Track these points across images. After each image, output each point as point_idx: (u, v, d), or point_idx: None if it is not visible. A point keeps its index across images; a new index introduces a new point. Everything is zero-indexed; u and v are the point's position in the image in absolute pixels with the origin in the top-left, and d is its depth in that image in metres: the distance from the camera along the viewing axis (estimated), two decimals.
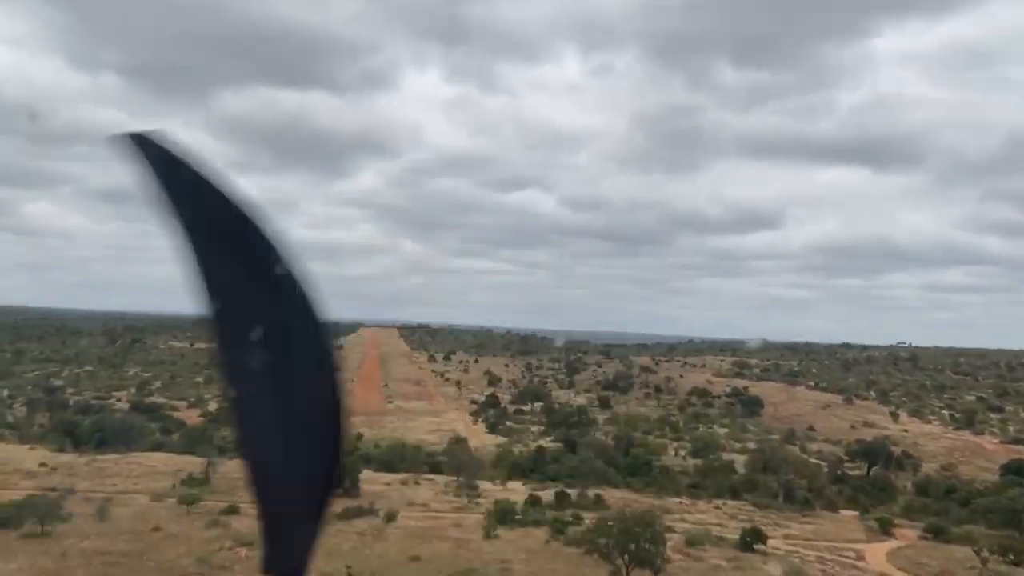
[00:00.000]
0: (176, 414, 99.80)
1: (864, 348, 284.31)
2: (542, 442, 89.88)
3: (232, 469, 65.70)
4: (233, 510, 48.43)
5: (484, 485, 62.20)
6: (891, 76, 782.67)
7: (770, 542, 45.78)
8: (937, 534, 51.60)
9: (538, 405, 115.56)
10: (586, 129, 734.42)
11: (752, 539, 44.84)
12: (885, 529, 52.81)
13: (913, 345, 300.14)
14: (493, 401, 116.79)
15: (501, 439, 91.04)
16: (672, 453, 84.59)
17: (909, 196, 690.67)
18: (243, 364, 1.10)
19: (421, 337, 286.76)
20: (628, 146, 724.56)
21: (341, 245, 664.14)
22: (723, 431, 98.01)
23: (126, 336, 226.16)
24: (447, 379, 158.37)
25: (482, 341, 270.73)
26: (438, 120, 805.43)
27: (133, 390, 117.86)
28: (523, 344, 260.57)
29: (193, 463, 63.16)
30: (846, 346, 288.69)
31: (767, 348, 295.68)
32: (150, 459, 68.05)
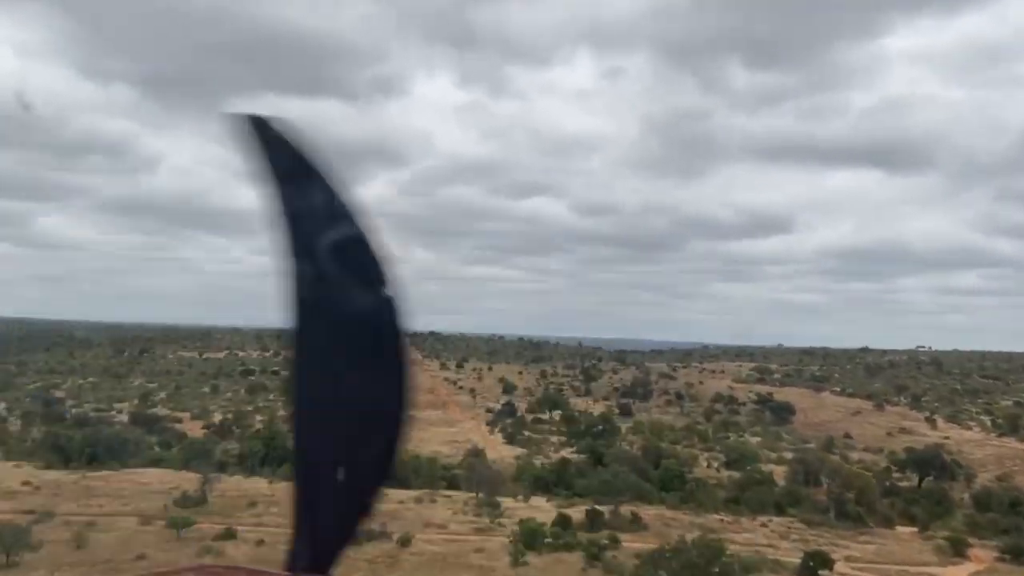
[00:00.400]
0: (178, 426, 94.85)
1: (884, 352, 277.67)
2: (564, 453, 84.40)
3: (231, 487, 60.55)
4: (229, 535, 43.16)
5: (506, 502, 56.88)
6: (903, 76, 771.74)
7: (835, 566, 40.13)
8: (1017, 555, 45.75)
9: (556, 413, 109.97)
10: (597, 134, 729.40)
11: (816, 564, 39.22)
12: (957, 549, 46.96)
13: (933, 349, 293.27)
14: (510, 410, 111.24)
15: (520, 450, 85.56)
16: (704, 464, 78.84)
17: (922, 198, 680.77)
18: (317, 347, 1.08)
19: (432, 345, 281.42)
20: (639, 150, 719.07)
21: None
22: (755, 440, 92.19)
23: (134, 347, 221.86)
24: (460, 387, 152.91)
25: (495, 348, 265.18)
26: (449, 126, 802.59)
27: (136, 401, 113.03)
28: (536, 351, 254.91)
29: (191, 480, 57.97)
30: (865, 350, 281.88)
31: (784, 353, 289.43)
32: (145, 476, 63.00)
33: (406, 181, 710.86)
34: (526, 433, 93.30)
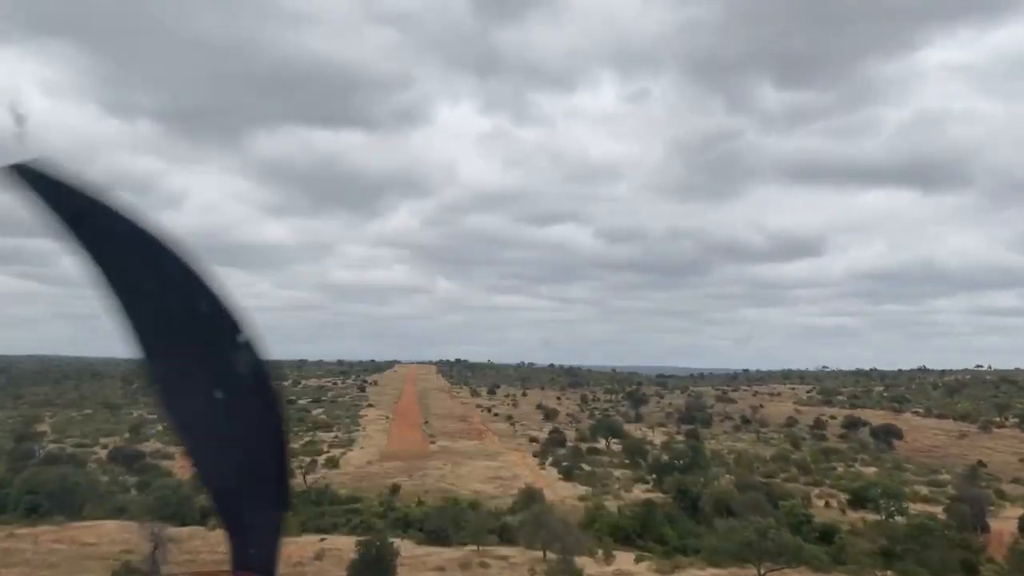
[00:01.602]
0: (167, 463, 78.60)
1: (942, 372, 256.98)
2: (638, 492, 66.90)
3: (205, 546, 44.15)
4: None
5: (583, 561, 39.86)
6: (939, 90, 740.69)
7: None
8: None
9: (614, 442, 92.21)
10: (623, 158, 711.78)
11: None
12: None
13: (992, 368, 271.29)
14: (559, 439, 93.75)
15: (582, 488, 68.01)
16: (821, 504, 60.82)
17: (957, 217, 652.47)
18: (171, 381, 1.07)
19: (460, 372, 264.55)
20: (666, 174, 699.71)
21: (377, 286, 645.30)
22: (869, 470, 74.08)
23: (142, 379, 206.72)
24: (496, 414, 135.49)
25: (526, 375, 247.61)
26: (472, 155, 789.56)
27: (127, 435, 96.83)
28: (571, 376, 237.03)
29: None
30: (923, 370, 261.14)
31: (832, 375, 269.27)
32: (96, 530, 46.56)
33: (430, 211, 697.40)
34: (584, 466, 75.60)
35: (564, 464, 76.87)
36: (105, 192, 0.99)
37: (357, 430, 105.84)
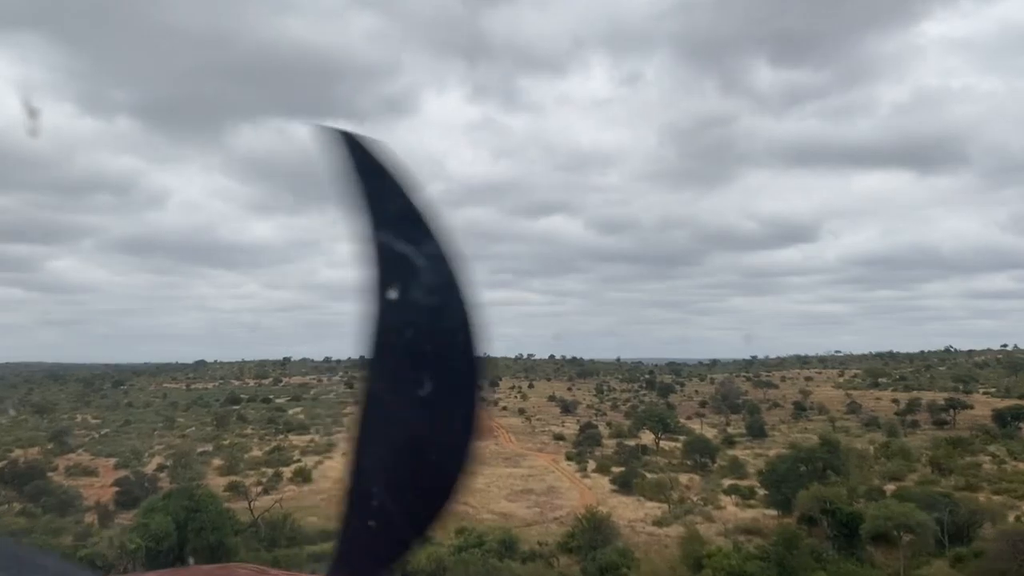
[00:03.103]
0: (81, 482, 58.32)
1: (970, 353, 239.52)
2: (730, 505, 47.28)
3: None
4: None
5: None
6: (938, 66, 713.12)
7: None
8: None
9: (660, 438, 72.09)
10: (614, 146, 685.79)
11: None
12: None
13: (1019, 347, 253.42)
14: (593, 435, 73.63)
15: (649, 504, 47.98)
16: (1011, 518, 41.00)
17: (953, 199, 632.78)
18: (389, 368, 1.05)
19: None
20: (658, 161, 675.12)
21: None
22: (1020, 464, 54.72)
23: (113, 381, 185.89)
24: (504, 408, 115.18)
25: (528, 366, 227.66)
26: (460, 145, 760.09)
27: (50, 444, 76.03)
28: (578, 367, 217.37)
29: None
30: (949, 351, 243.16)
31: (850, 360, 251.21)
32: None
33: None
34: (645, 474, 55.43)
35: (614, 470, 56.72)
36: (414, 185, 1.02)
37: (340, 431, 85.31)
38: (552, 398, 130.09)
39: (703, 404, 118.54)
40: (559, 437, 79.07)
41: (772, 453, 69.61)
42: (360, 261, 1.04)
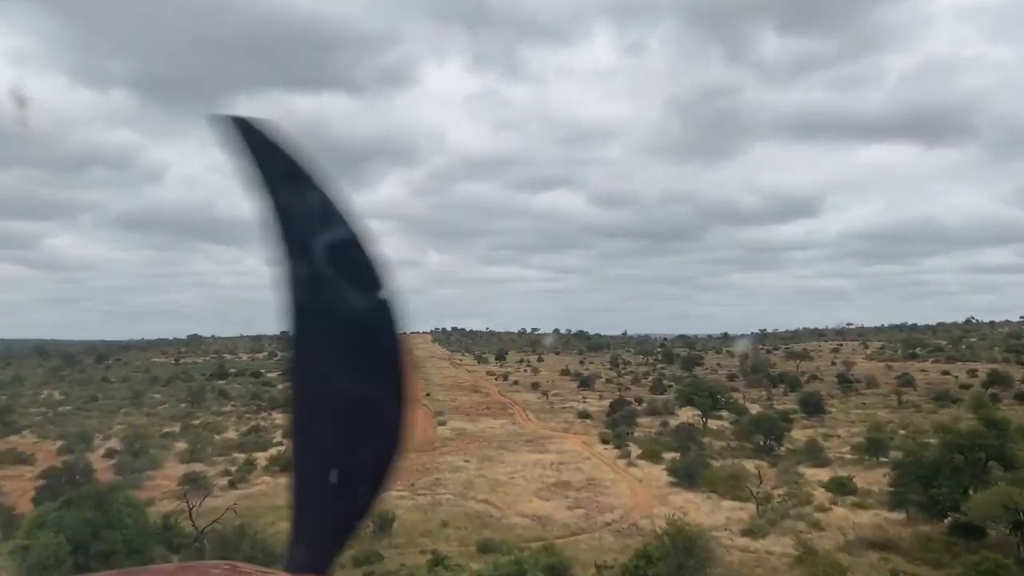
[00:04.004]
0: (8, 472, 47.06)
1: (992, 324, 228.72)
2: (821, 500, 35.98)
3: None
4: None
5: None
6: (948, 35, 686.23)
7: None
8: None
9: (707, 417, 60.60)
10: (617, 118, 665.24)
11: None
12: None
13: None
14: (628, 413, 62.22)
15: (728, 505, 36.52)
16: None
17: (959, 172, 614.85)
18: (313, 350, 1.04)
19: (458, 339, 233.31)
20: (661, 134, 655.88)
21: None
22: None
23: (98, 356, 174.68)
24: (515, 382, 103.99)
25: (534, 339, 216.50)
26: (460, 118, 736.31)
27: None
28: (586, 341, 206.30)
29: None
30: (971, 323, 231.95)
31: (869, 332, 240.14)
32: None
33: (418, 181, 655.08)
34: (713, 462, 43.87)
35: (665, 455, 45.28)
36: (314, 164, 1.03)
37: None
38: (566, 372, 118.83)
39: (732, 377, 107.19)
40: (584, 415, 67.71)
41: (843, 433, 58.34)
42: (270, 244, 1.03)
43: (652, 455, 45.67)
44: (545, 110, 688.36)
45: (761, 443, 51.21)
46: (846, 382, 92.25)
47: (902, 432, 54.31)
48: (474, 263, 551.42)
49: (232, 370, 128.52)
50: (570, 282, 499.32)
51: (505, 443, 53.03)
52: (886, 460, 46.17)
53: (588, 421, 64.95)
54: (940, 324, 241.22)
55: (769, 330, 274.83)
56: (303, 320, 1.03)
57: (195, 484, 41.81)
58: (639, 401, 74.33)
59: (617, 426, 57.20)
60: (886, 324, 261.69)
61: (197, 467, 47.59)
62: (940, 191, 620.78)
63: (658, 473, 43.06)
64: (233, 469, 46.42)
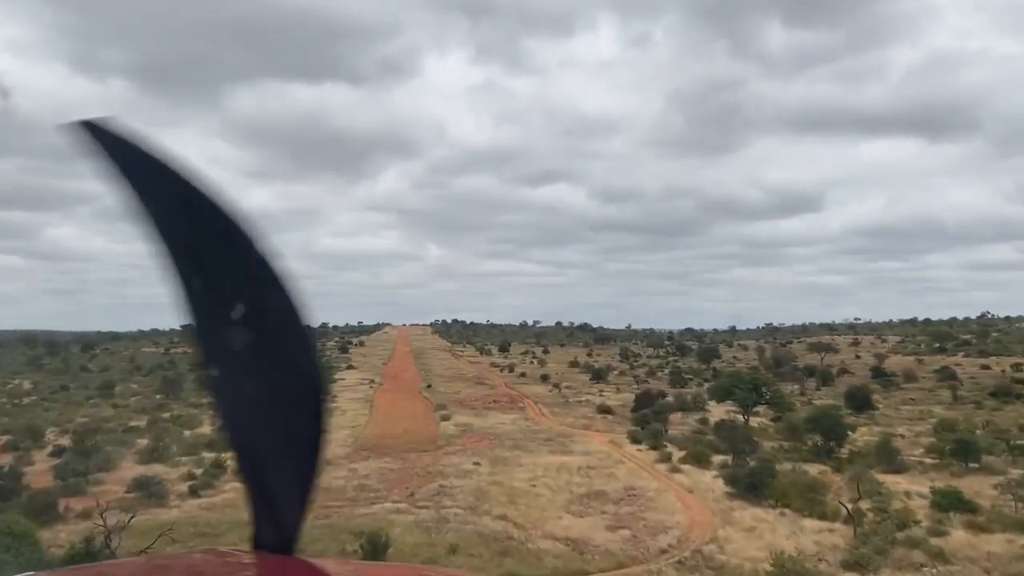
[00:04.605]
0: None
1: (1007, 318, 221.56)
2: (922, 518, 28.29)
3: None
4: None
5: None
6: (954, 27, 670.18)
7: None
8: None
9: (749, 412, 52.95)
10: (620, 111, 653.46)
11: None
12: None
13: None
14: (656, 409, 54.55)
15: (808, 523, 28.82)
16: None
17: (962, 168, 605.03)
18: (219, 342, 1.03)
19: (459, 331, 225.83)
20: (664, 128, 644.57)
21: (366, 253, 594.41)
22: None
23: (77, 345, 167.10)
24: (522, 374, 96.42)
25: (538, 332, 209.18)
26: (462, 110, 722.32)
27: None
28: (591, 333, 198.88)
29: None
30: (986, 318, 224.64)
31: (880, 327, 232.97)
32: None
33: (419, 173, 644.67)
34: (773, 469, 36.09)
35: (714, 459, 37.65)
36: (168, 154, 1.00)
37: None
38: (575, 364, 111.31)
39: (754, 371, 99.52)
40: (604, 409, 60.11)
41: (904, 432, 50.81)
42: (147, 243, 1.00)
43: (698, 458, 38.03)
44: (547, 102, 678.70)
45: (819, 444, 43.60)
46: (881, 376, 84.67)
47: (978, 432, 46.79)
48: (474, 257, 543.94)
49: None
50: (570, 277, 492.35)
51: (520, 442, 45.41)
52: (976, 466, 38.71)
53: (610, 417, 57.37)
54: (953, 319, 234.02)
55: (775, 324, 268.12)
56: (202, 318, 1.01)
57: (146, 491, 34.28)
58: (661, 395, 66.73)
59: (647, 423, 49.56)
60: (895, 319, 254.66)
61: (157, 469, 40.07)
62: (942, 187, 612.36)
63: (709, 481, 35.45)
64: (199, 472, 38.80)
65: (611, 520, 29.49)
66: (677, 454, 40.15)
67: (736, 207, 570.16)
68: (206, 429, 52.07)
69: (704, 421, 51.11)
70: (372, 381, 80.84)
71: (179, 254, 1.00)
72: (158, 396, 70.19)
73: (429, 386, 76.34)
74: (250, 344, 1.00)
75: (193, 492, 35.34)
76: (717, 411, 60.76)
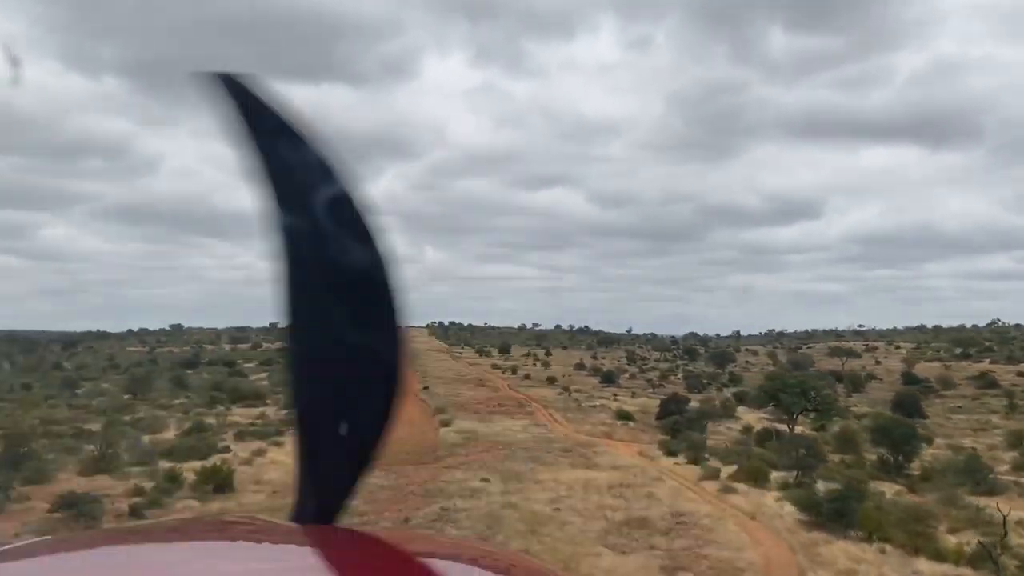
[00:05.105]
0: None
1: (1017, 325, 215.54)
2: None
3: None
4: None
5: None
6: (958, 33, 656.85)
7: None
8: None
9: (794, 422, 46.20)
10: (620, 114, 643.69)
11: None
12: None
13: None
14: (698, 416, 47.90)
15: (924, 566, 22.04)
16: None
17: (964, 176, 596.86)
18: (310, 302, 1.03)
19: (456, 333, 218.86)
20: (664, 132, 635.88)
21: None
22: None
23: (58, 344, 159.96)
24: (527, 376, 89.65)
25: (539, 334, 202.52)
26: (461, 112, 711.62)
27: None
28: (593, 336, 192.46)
29: None
30: (997, 325, 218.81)
31: (890, 333, 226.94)
32: None
33: (417, 175, 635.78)
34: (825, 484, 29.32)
35: (774, 476, 30.93)
36: (300, 117, 0.98)
37: None
38: (580, 366, 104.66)
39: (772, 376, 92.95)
40: (624, 415, 53.38)
41: (972, 444, 44.19)
42: (262, 200, 1.00)
43: (755, 475, 31.28)
44: (547, 105, 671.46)
45: (886, 458, 36.95)
46: (915, 382, 78.15)
47: None
48: (470, 260, 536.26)
49: (205, 360, 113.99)
50: (567, 281, 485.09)
51: (535, 452, 38.61)
52: None
53: (631, 424, 50.67)
54: (961, 326, 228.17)
55: (777, 330, 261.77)
56: (297, 272, 1.01)
57: (75, 510, 27.42)
58: (685, 400, 60.01)
59: (679, 431, 42.80)
60: (898, 327, 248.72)
61: (101, 481, 33.26)
62: (941, 195, 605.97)
63: (772, 504, 28.72)
64: (149, 486, 31.95)
65: (664, 558, 22.73)
66: (725, 469, 33.41)
67: (735, 213, 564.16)
68: (170, 434, 45.20)
69: (747, 429, 44.41)
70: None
71: (293, 213, 0.99)
72: (127, 396, 63.24)
73: (426, 388, 69.52)
74: (341, 319, 0.98)
75: (135, 512, 28.43)
76: (748, 418, 54.23)
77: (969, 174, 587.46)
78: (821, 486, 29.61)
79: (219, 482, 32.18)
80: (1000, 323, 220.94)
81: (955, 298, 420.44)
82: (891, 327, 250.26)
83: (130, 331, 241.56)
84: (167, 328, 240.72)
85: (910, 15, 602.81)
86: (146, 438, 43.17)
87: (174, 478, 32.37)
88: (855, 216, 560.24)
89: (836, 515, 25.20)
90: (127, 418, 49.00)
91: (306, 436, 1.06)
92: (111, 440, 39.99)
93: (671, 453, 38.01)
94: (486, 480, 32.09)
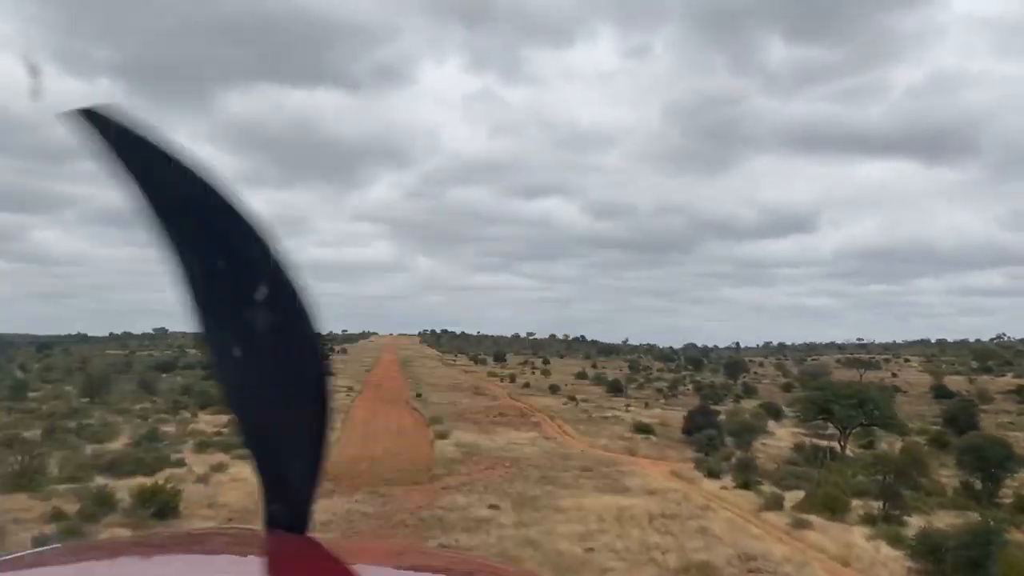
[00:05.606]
0: None
1: (1023, 340, 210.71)
2: None
3: None
4: None
5: None
6: (957, 47, 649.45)
7: None
8: None
9: (846, 440, 40.01)
10: (616, 124, 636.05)
11: None
12: None
13: None
14: (742, 430, 41.69)
15: None
16: None
17: (959, 191, 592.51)
18: (222, 327, 1.02)
19: (449, 341, 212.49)
20: (660, 143, 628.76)
21: (354, 264, 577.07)
22: None
23: (41, 349, 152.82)
24: (526, 384, 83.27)
25: (534, 343, 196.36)
26: (456, 119, 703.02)
27: None
28: (591, 346, 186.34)
29: None
30: (1001, 339, 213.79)
31: (897, 347, 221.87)
32: None
33: (411, 183, 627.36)
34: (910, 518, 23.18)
35: (858, 508, 24.70)
36: (170, 143, 0.97)
37: None
38: (582, 375, 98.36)
39: (787, 387, 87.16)
40: (644, 428, 47.08)
41: None
42: (152, 239, 0.97)
43: (831, 506, 24.98)
44: (543, 113, 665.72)
45: (974, 485, 30.80)
46: (947, 396, 72.23)
47: None
48: (463, 270, 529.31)
49: (182, 364, 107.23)
50: (560, 291, 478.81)
51: (548, 472, 32.24)
52: None
53: (653, 437, 44.38)
54: (963, 340, 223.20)
55: (775, 342, 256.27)
56: (205, 307, 1.00)
57: None
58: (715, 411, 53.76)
59: (714, 447, 36.52)
60: (898, 340, 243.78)
61: (17, 501, 26.74)
62: (936, 211, 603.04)
63: (862, 542, 22.47)
64: (73, 509, 25.45)
65: None
66: (788, 496, 27.11)
67: (729, 226, 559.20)
68: (118, 443, 38.62)
69: (800, 447, 38.12)
70: (351, 389, 67.54)
71: (184, 243, 0.97)
72: (84, 400, 56.57)
73: (419, 395, 63.08)
74: (249, 327, 0.97)
75: (42, 542, 22.03)
76: (780, 433, 48.12)
77: (965, 189, 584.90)
78: (917, 520, 23.44)
79: (161, 505, 25.73)
80: (1007, 338, 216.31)
81: (947, 314, 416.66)
82: (891, 341, 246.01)
83: (112, 335, 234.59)
84: (151, 332, 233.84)
85: (909, 28, 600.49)
86: (89, 448, 36.64)
87: (104, 500, 25.85)
88: (849, 230, 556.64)
89: (970, 566, 18.91)
90: (72, 424, 42.39)
91: (255, 447, 1.05)
92: (42, 451, 33.41)
93: (712, 474, 31.69)
94: (494, 507, 25.69)
